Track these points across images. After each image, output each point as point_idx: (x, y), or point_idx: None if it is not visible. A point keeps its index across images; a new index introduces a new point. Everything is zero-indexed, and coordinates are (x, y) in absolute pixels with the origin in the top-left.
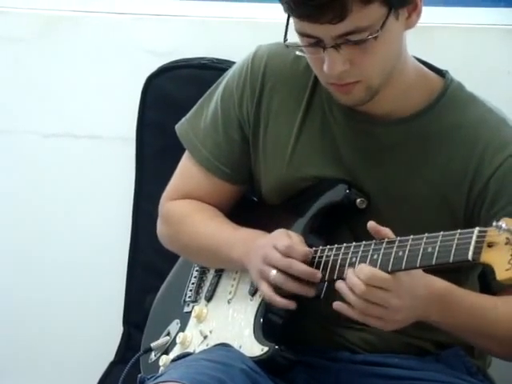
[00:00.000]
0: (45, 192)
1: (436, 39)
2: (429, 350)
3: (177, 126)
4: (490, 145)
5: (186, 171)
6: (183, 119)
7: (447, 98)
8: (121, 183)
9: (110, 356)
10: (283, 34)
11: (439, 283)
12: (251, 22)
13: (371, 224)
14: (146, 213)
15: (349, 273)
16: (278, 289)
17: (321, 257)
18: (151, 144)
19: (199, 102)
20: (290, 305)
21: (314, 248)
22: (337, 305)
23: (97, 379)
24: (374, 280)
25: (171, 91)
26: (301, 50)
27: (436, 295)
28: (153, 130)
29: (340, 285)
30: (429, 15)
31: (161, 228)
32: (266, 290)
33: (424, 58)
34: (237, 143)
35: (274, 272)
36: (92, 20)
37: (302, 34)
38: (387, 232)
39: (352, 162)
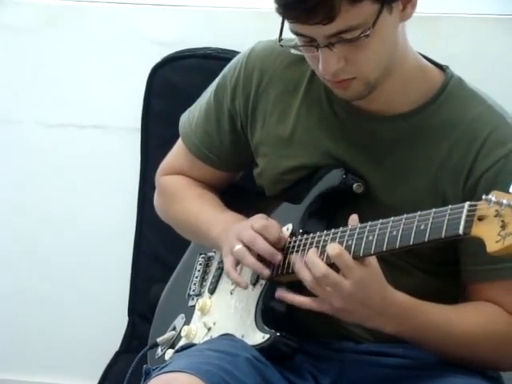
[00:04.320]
0: (50, 182)
1: (441, 29)
2: None
3: (182, 115)
4: (486, 143)
5: (180, 153)
6: (188, 109)
7: (447, 94)
8: (126, 173)
9: (116, 346)
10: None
11: (400, 298)
12: (256, 12)
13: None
14: (151, 203)
15: (311, 252)
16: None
17: (298, 246)
18: (156, 134)
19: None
20: (242, 282)
21: (294, 238)
22: (279, 293)
23: (103, 369)
24: (339, 260)
25: (176, 81)
26: (296, 49)
27: (393, 309)
28: (158, 120)
29: (297, 259)
30: (434, 5)
31: (156, 199)
32: (227, 262)
33: (429, 48)
34: (227, 134)
35: (238, 245)
36: (98, 10)
37: (295, 34)
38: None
39: (349, 158)
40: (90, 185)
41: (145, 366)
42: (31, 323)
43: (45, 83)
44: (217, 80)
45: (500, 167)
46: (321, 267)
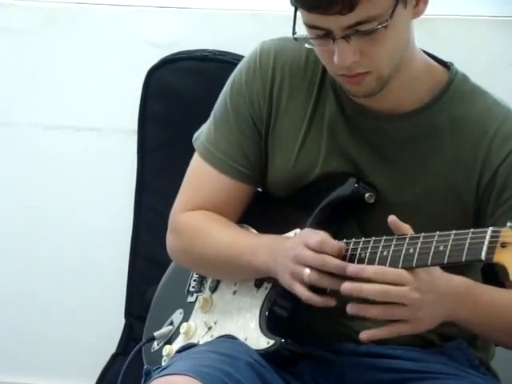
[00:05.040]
0: (46, 185)
1: (438, 30)
2: (433, 342)
3: (194, 138)
4: (497, 135)
5: (198, 179)
6: (199, 130)
7: (453, 90)
8: (122, 176)
9: (112, 348)
10: (290, 26)
11: (459, 280)
12: (253, 14)
13: (392, 219)
14: (147, 205)
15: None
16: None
17: (346, 250)
18: (153, 136)
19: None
20: (331, 302)
21: (345, 240)
22: (351, 308)
23: (99, 371)
24: (385, 276)
25: (173, 83)
26: (309, 43)
27: (459, 292)
28: (154, 122)
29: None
30: (431, 6)
31: (172, 241)
32: (301, 291)
33: (426, 50)
34: (251, 140)
35: (307, 271)
36: (93, 12)
37: (310, 26)
38: (407, 228)
39: (360, 158)
40: (86, 187)
41: (145, 366)
42: (27, 325)
43: (41, 85)
44: (227, 90)
45: None
46: (376, 287)
